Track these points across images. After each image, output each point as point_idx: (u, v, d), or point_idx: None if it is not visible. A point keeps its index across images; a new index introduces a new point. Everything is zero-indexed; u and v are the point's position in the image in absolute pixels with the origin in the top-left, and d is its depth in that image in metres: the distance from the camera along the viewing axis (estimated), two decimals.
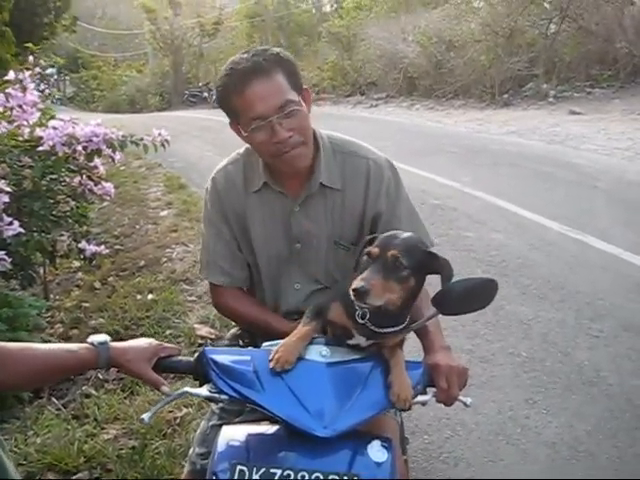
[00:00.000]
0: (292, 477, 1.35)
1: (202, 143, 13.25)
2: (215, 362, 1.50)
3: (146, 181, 9.96)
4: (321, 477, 1.35)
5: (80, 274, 5.82)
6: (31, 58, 5.02)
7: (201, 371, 1.52)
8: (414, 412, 3.38)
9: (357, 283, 1.37)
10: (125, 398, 3.55)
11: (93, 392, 3.72)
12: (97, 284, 5.53)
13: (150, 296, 5.00)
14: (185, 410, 3.36)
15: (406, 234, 1.48)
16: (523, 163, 9.65)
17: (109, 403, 3.50)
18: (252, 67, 1.73)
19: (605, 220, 6.47)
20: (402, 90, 21.45)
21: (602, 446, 3.11)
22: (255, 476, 1.36)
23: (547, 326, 4.32)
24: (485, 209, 7.12)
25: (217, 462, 1.45)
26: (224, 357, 1.52)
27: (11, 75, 4.14)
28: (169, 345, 1.61)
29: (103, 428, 3.29)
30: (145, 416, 1.48)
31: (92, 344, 1.51)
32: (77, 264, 5.76)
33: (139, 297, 5.00)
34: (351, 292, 1.38)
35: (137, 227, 7.20)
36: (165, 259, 5.98)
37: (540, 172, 9.00)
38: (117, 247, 6.39)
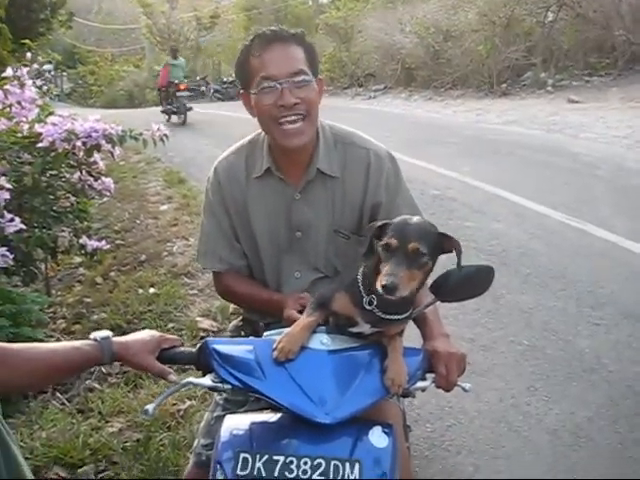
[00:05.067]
0: (295, 463, 1.37)
1: (201, 137, 13.25)
2: (217, 352, 1.51)
3: (145, 176, 9.97)
4: (323, 463, 1.37)
5: (81, 269, 5.83)
6: (29, 54, 5.03)
7: (204, 361, 1.53)
8: (417, 400, 3.42)
9: (386, 279, 1.37)
10: (129, 391, 3.57)
11: (97, 386, 3.74)
12: (99, 279, 5.54)
13: (152, 290, 5.01)
14: (189, 402, 3.38)
15: (415, 219, 1.48)
16: (522, 152, 9.66)
17: (113, 397, 3.52)
18: (274, 34, 1.81)
19: (605, 208, 6.49)
20: (400, 81, 21.43)
21: (603, 432, 3.13)
22: (258, 463, 1.38)
23: (548, 314, 4.34)
24: (485, 199, 7.14)
25: (221, 451, 1.47)
26: (226, 347, 1.54)
27: (9, 72, 4.15)
28: (171, 336, 1.62)
29: (108, 421, 3.31)
30: (149, 407, 1.49)
31: (95, 340, 1.52)
32: (78, 260, 5.77)
33: (141, 291, 5.02)
34: (380, 288, 1.39)
35: (137, 222, 7.21)
36: (166, 253, 6.00)
37: (539, 161, 9.02)
38: (118, 242, 6.41)
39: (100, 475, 2.92)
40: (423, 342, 1.71)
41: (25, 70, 4.13)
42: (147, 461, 2.94)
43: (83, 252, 4.50)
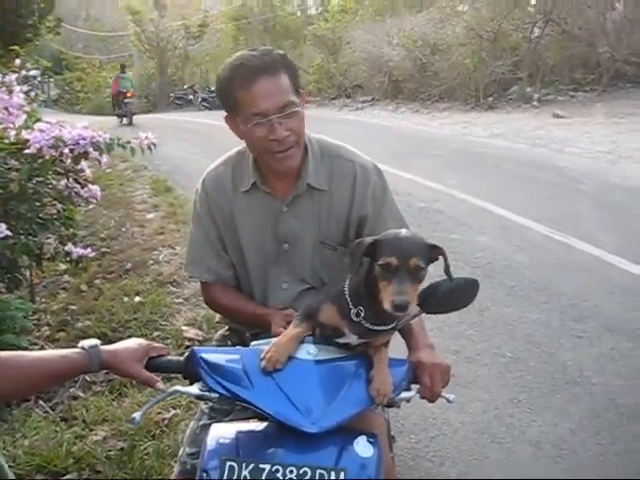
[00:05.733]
0: (281, 472, 1.38)
1: (188, 146, 13.26)
2: (205, 361, 1.53)
3: (132, 184, 9.95)
4: (309, 471, 1.38)
5: (66, 277, 5.80)
6: (18, 61, 5.03)
7: (191, 370, 1.54)
8: (401, 411, 3.42)
9: (397, 299, 1.39)
10: (113, 400, 3.56)
11: (81, 394, 3.72)
12: (84, 287, 5.52)
13: (137, 298, 5.00)
14: (173, 411, 3.37)
15: (405, 233, 1.50)
16: (508, 166, 9.75)
17: (97, 405, 3.50)
18: (261, 65, 1.79)
19: (589, 223, 6.57)
20: (387, 93, 21.60)
21: (585, 444, 3.16)
22: (245, 472, 1.39)
23: (532, 327, 4.38)
24: (471, 211, 7.19)
25: (207, 459, 1.47)
26: (214, 356, 1.55)
27: None
28: (158, 345, 1.64)
29: (92, 430, 3.30)
30: (136, 415, 1.50)
31: (83, 348, 1.52)
32: (63, 267, 5.74)
33: (126, 299, 5.00)
34: (390, 306, 1.40)
35: (123, 230, 7.19)
36: (152, 261, 5.99)
37: (525, 175, 9.11)
38: (104, 250, 6.38)
39: None
40: (408, 353, 1.73)
41: (14, 76, 4.13)
42: (131, 470, 2.93)
43: (68, 259, 4.49)
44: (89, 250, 4.54)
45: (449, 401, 1.67)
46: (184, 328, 4.43)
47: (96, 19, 44.66)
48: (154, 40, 33.74)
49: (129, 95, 20.34)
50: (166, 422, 3.30)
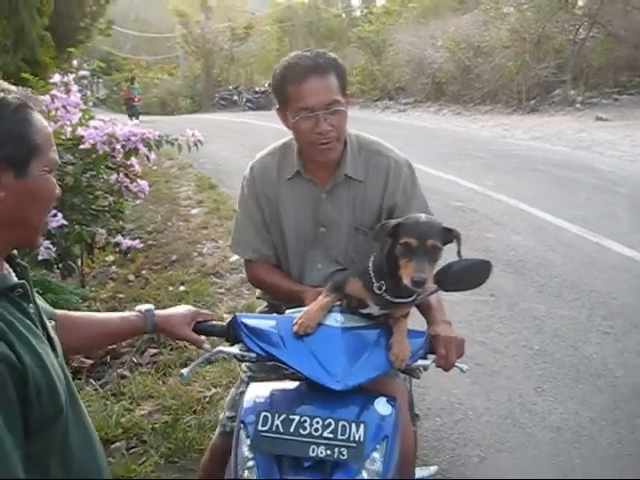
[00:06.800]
0: (308, 422, 1.58)
1: (232, 145, 13.55)
2: (245, 325, 1.75)
3: (178, 181, 10.29)
4: (332, 422, 1.58)
5: (114, 268, 6.11)
6: (75, 62, 5.33)
7: (233, 333, 1.77)
8: (428, 396, 3.62)
9: (417, 275, 1.58)
10: (159, 378, 3.82)
11: (128, 374, 3.99)
12: (131, 277, 5.81)
13: (182, 288, 5.26)
14: (214, 390, 3.61)
15: (424, 217, 1.70)
16: (546, 168, 9.80)
17: (143, 383, 3.76)
18: (313, 65, 2.00)
19: (623, 224, 6.62)
20: (430, 95, 21.67)
21: (604, 432, 3.30)
22: (277, 421, 1.59)
23: (560, 322, 4.51)
24: (506, 212, 7.30)
25: (245, 413, 1.69)
26: (253, 321, 1.78)
27: (57, 78, 4.45)
28: (205, 311, 1.88)
29: (138, 404, 3.56)
30: (184, 371, 1.74)
31: (140, 312, 1.76)
32: (112, 259, 6.06)
33: (171, 289, 5.27)
34: (409, 282, 1.59)
35: (169, 224, 7.50)
36: (196, 254, 6.26)
37: (563, 177, 9.16)
38: (150, 242, 6.68)
39: (131, 451, 3.16)
40: (427, 327, 1.92)
41: (72, 76, 4.42)
42: (174, 440, 3.18)
43: (117, 250, 4.74)
44: (137, 242, 4.79)
45: (462, 370, 1.84)
46: (225, 316, 4.66)
47: (144, 21, 45.55)
48: (200, 42, 34.33)
49: (137, 100, 26.23)
50: (207, 399, 3.54)
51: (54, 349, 1.36)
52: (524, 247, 6.05)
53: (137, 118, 21.86)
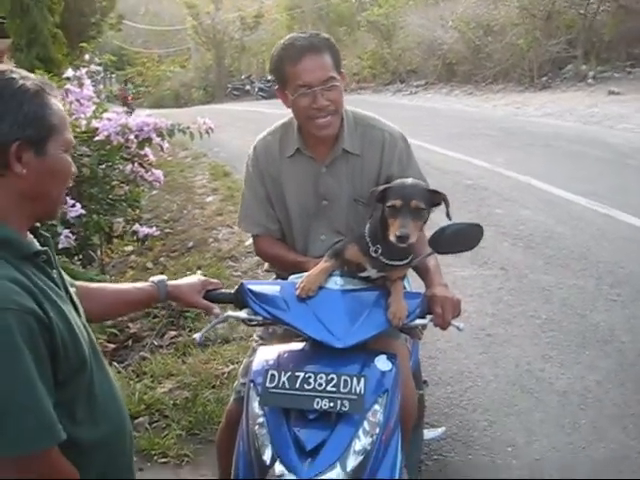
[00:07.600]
0: (312, 378, 1.70)
1: (245, 134, 13.57)
2: (251, 291, 1.89)
3: (192, 170, 10.43)
4: (335, 377, 1.70)
5: (133, 257, 6.27)
6: (87, 56, 5.48)
7: (240, 299, 1.91)
8: (439, 366, 3.74)
9: (400, 231, 1.73)
10: (178, 357, 3.97)
11: (149, 356, 4.15)
12: (149, 264, 5.97)
13: (199, 272, 5.37)
14: (232, 366, 3.76)
15: (410, 180, 1.85)
16: (557, 143, 9.83)
17: (164, 362, 3.93)
18: (308, 44, 2.14)
19: (634, 195, 6.65)
20: (441, 76, 21.62)
21: (610, 394, 3.40)
22: (283, 378, 1.72)
23: (568, 292, 4.60)
24: (516, 188, 7.37)
25: (254, 373, 1.83)
26: (259, 287, 1.92)
27: (69, 73, 4.59)
28: (214, 280, 2.02)
29: (160, 382, 3.72)
30: (196, 336, 1.89)
31: (153, 282, 1.90)
32: (130, 248, 6.21)
33: (188, 273, 5.37)
34: (394, 238, 1.74)
35: (185, 212, 7.66)
36: (212, 240, 6.42)
37: (573, 151, 9.19)
38: (167, 230, 6.84)
39: (153, 425, 3.33)
40: (425, 289, 2.03)
41: (84, 71, 4.56)
42: (195, 414, 3.35)
43: (135, 238, 4.88)
44: (154, 229, 4.92)
45: (459, 329, 1.95)
46: None
47: (154, 14, 45.65)
48: (211, 32, 34.43)
49: (130, 99, 28.03)
50: (225, 375, 3.69)
51: (77, 310, 1.50)
52: (534, 221, 6.13)
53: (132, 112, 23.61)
